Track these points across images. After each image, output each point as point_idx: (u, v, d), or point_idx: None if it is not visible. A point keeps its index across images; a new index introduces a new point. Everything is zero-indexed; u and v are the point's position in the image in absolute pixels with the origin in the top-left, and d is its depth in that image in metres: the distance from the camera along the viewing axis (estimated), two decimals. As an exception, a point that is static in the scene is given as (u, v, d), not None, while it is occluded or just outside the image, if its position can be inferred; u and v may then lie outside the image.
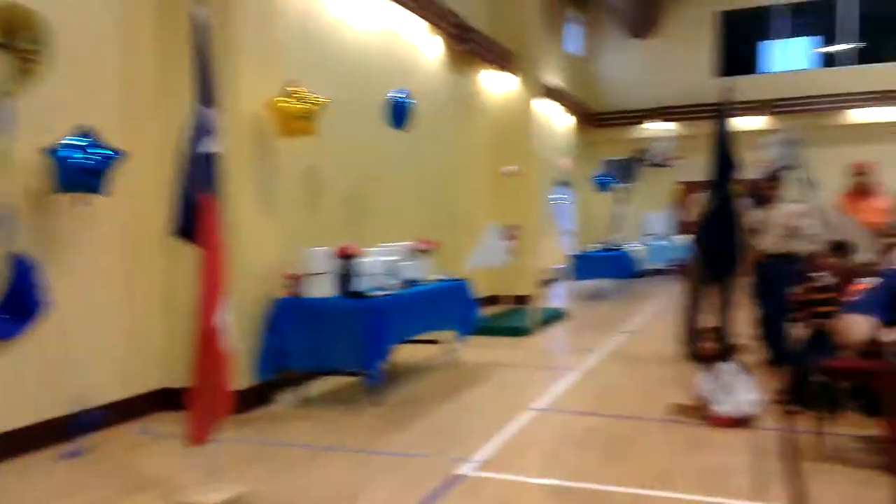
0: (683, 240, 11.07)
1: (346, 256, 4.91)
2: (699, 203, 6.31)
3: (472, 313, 6.35)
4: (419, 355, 6.37)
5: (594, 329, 8.32)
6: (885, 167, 11.06)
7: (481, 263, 7.89)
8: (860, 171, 5.32)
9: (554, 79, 12.72)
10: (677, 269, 13.54)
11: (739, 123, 13.35)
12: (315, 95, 5.07)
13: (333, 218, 6.47)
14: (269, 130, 5.01)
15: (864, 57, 12.90)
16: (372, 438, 4.18)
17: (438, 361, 6.34)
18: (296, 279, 4.90)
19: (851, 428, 4.13)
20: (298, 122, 4.97)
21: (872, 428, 4.03)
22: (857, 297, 1.94)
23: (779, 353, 5.61)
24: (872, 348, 1.90)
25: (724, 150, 3.98)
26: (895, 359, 1.96)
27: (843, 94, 12.41)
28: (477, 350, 6.70)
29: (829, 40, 13.31)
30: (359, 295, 4.85)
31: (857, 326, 1.86)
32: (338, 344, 4.77)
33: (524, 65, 10.58)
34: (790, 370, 4.69)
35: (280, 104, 4.94)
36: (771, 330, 5.63)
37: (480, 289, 9.50)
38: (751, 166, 8.71)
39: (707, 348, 4.53)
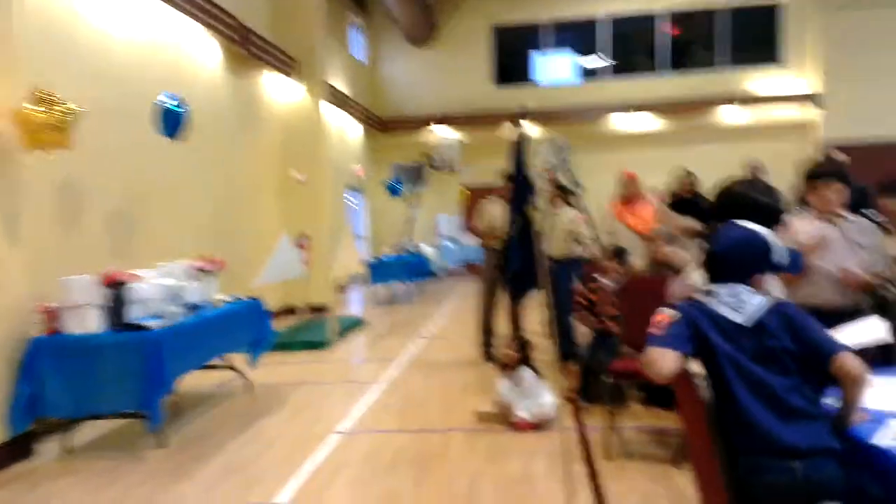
0: (472, 241, 11.46)
1: (114, 284, 4.32)
2: (487, 210, 6.49)
3: (266, 333, 5.95)
4: (207, 382, 5.81)
5: (394, 336, 8.27)
6: (643, 172, 12.41)
7: (275, 277, 7.51)
8: (628, 180, 5.75)
9: (340, 84, 12.55)
10: (469, 270, 14.12)
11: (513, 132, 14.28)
12: (69, 103, 4.41)
13: (97, 240, 5.72)
14: (12, 142, 4.26)
15: (618, 70, 14.23)
16: (156, 488, 3.69)
17: (229, 387, 5.85)
18: (53, 314, 4.23)
19: (638, 420, 4.45)
20: (49, 133, 4.28)
21: (656, 419, 4.39)
22: (659, 331, 1.96)
23: (565, 349, 5.91)
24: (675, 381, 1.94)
25: (523, 177, 4.11)
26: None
27: (603, 104, 13.62)
28: (273, 369, 6.31)
29: (589, 54, 14.54)
30: (133, 327, 4.29)
31: (663, 361, 1.88)
32: (110, 384, 4.17)
33: (309, 70, 10.29)
34: (579, 369, 4.96)
35: (26, 113, 4.23)
36: (558, 329, 5.88)
37: (274, 300, 9.08)
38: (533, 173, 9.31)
39: (507, 355, 4.61)
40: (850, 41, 11.81)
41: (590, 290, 5.10)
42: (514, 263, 3.81)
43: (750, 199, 2.42)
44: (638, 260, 4.90)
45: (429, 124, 14.52)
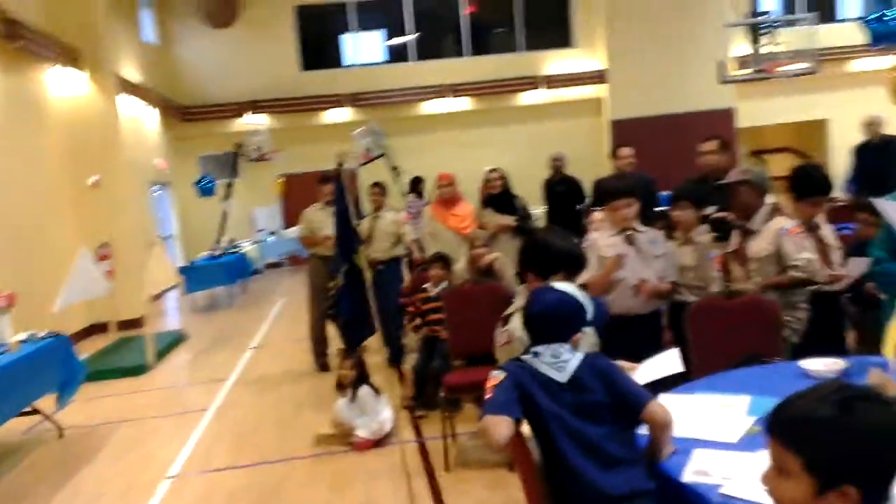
0: (293, 232, 11.18)
1: None
2: (308, 217, 6.35)
3: (75, 372, 5.43)
4: (11, 429, 5.20)
5: (219, 349, 7.87)
6: (454, 152, 12.77)
7: (77, 297, 6.85)
8: (445, 182, 5.90)
9: (134, 72, 11.58)
10: (292, 262, 13.82)
11: (327, 117, 14.05)
12: None
13: None
14: None
15: (426, 52, 14.40)
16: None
17: (38, 431, 5.30)
18: None
19: (474, 424, 4.65)
20: None
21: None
22: (491, 396, 2.06)
23: (394, 353, 6.03)
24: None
25: (347, 222, 4.07)
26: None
27: (414, 87, 13.75)
28: (86, 406, 5.80)
29: (395, 35, 14.56)
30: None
31: (498, 428, 1.98)
32: None
33: (95, 59, 9.37)
34: (412, 377, 5.09)
35: None
36: (386, 333, 5.97)
37: (78, 319, 8.32)
38: (347, 159, 9.20)
39: (343, 375, 4.60)
40: (631, 20, 12.78)
41: (416, 296, 5.22)
42: (345, 310, 3.80)
43: (553, 249, 2.58)
44: (461, 264, 5.06)
45: (236, 111, 13.86)
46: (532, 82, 13.72)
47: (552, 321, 2.17)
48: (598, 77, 13.39)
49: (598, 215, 4.27)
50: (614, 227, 3.66)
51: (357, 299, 3.77)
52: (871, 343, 2.79)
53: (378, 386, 4.71)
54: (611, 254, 3.54)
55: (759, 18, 10.31)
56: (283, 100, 13.76)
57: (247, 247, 12.08)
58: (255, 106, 13.80)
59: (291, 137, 13.46)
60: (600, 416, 2.08)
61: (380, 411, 4.53)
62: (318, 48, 14.65)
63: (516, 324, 2.52)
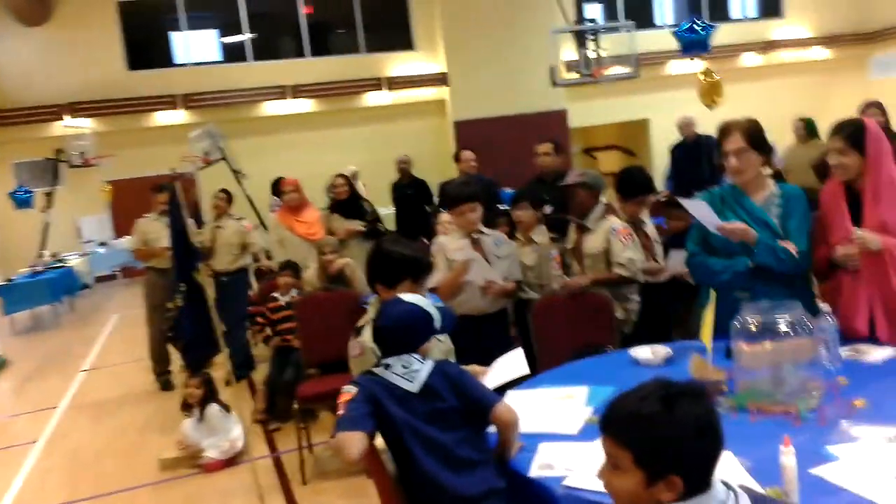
0: (125, 242, 10.47)
1: None
2: (142, 229, 5.97)
3: None
4: None
5: (47, 375, 7.20)
6: (298, 155, 12.50)
7: None
8: (291, 187, 5.78)
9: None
10: (125, 274, 12.92)
11: (159, 119, 13.26)
12: None
13: None
14: None
15: (263, 53, 13.97)
16: None
17: None
18: None
19: (329, 434, 4.59)
20: None
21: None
22: (344, 411, 2.05)
23: (241, 365, 5.81)
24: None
25: (183, 238, 3.86)
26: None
27: (253, 88, 13.30)
28: None
29: (229, 34, 14.00)
30: None
31: (351, 444, 1.98)
32: None
33: None
34: (265, 388, 4.95)
35: None
36: (232, 344, 5.75)
37: None
38: (182, 163, 8.74)
39: (189, 394, 4.38)
40: (467, 24, 13.13)
41: (266, 305, 5.08)
42: (185, 332, 3.61)
43: (398, 257, 2.62)
44: (311, 271, 4.98)
45: (55, 114, 12.72)
46: (375, 84, 13.73)
47: (401, 333, 2.20)
48: (439, 79, 13.64)
49: (445, 217, 4.37)
50: (460, 230, 3.76)
51: (199, 319, 3.60)
52: (691, 329, 3.06)
53: (227, 402, 4.53)
54: (459, 257, 3.64)
55: (584, 25, 10.96)
56: (109, 101, 12.79)
57: (73, 260, 11.15)
58: (76, 108, 12.73)
59: (120, 141, 12.56)
60: (452, 422, 2.13)
61: (230, 429, 4.36)
62: (147, 47, 13.77)
63: (367, 336, 2.53)
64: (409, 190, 7.66)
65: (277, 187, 9.17)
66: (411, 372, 2.15)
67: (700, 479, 1.35)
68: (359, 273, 4.85)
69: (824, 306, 2.58)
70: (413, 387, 2.13)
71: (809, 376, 2.29)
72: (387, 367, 2.17)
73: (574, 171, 4.02)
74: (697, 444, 1.33)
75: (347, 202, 5.94)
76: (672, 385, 1.40)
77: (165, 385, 5.99)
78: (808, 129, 6.46)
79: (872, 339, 2.68)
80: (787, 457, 1.76)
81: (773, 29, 16.15)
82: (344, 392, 2.12)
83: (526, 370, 2.58)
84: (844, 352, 2.60)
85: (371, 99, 13.85)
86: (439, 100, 13.89)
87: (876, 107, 5.35)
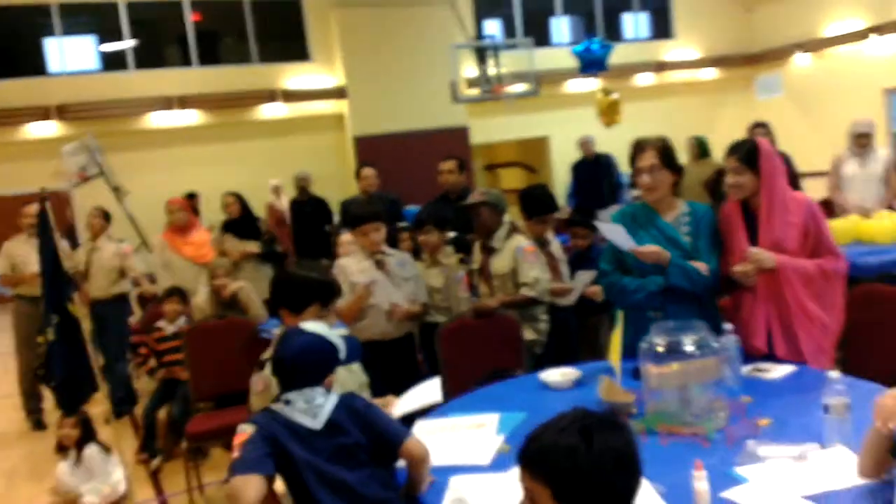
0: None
1: None
2: (10, 252, 5.44)
3: None
4: None
5: None
6: (187, 170, 11.93)
7: None
8: (176, 206, 5.44)
9: None
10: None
11: (30, 131, 12.32)
12: None
13: None
14: None
15: (147, 61, 13.28)
16: None
17: None
18: None
19: (222, 469, 4.29)
20: None
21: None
22: (239, 453, 1.86)
23: (121, 400, 5.40)
24: None
25: (55, 263, 3.51)
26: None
27: (135, 98, 12.58)
28: None
29: (109, 40, 13.21)
30: None
31: (247, 489, 1.79)
32: None
33: None
34: (143, 424, 4.58)
35: None
36: (111, 378, 5.33)
37: None
38: (55, 179, 8.10)
39: (65, 436, 3.98)
40: (366, 37, 13.00)
41: (150, 335, 4.72)
42: (57, 371, 3.25)
43: (305, 280, 2.45)
44: (201, 296, 4.66)
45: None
46: (269, 96, 13.32)
47: (303, 366, 2.03)
48: (337, 93, 13.42)
49: (346, 238, 4.21)
50: (363, 251, 3.61)
51: (72, 356, 3.25)
52: (600, 350, 3.04)
53: (107, 442, 4.14)
54: (362, 279, 3.48)
55: (483, 42, 11.07)
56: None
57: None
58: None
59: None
60: (357, 459, 1.99)
61: (111, 472, 3.98)
62: (15, 54, 12.80)
63: (267, 371, 2.33)
64: (307, 208, 7.40)
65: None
66: (314, 407, 1.99)
67: None
68: (255, 298, 4.59)
69: (727, 325, 2.61)
70: (316, 423, 1.97)
71: (715, 396, 2.29)
72: (287, 402, 2.00)
73: (477, 191, 3.95)
74: (616, 477, 1.30)
75: (240, 221, 5.65)
76: (591, 416, 1.36)
77: (37, 424, 5.47)
78: (700, 148, 6.72)
79: (771, 356, 2.73)
80: (700, 482, 1.77)
81: (665, 50, 16.94)
82: (239, 432, 1.93)
83: (439, 398, 2.47)
84: (746, 370, 2.63)
85: (265, 111, 13.43)
86: (338, 114, 13.67)
87: (762, 127, 5.61)
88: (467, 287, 3.84)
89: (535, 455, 1.32)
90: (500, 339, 3.46)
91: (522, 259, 3.63)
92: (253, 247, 5.48)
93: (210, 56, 13.51)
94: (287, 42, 13.92)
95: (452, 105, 11.27)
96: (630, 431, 1.36)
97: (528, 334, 3.61)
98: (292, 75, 13.59)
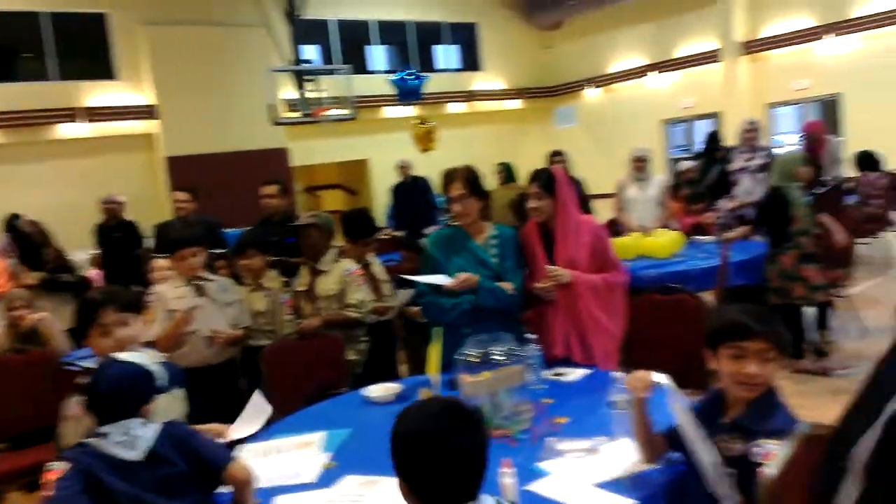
0: None
1: None
2: None
3: None
4: None
5: None
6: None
7: None
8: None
9: None
10: None
11: None
12: None
13: None
14: None
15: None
16: None
17: None
18: None
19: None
20: None
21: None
22: (52, 493, 1.79)
23: None
24: None
25: None
26: None
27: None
28: None
29: None
30: None
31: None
32: None
33: None
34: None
35: None
36: None
37: None
38: None
39: None
40: (179, 55, 12.49)
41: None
42: None
43: (105, 298, 2.40)
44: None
45: None
46: (70, 114, 12.37)
47: (118, 398, 1.99)
48: (147, 112, 12.75)
49: (161, 263, 4.07)
50: (181, 277, 3.54)
51: None
52: (420, 364, 3.23)
53: None
54: (180, 306, 3.41)
55: (302, 66, 11.10)
56: None
57: None
58: None
59: None
60: (181, 489, 1.98)
61: None
62: None
63: (74, 399, 2.25)
64: (116, 232, 6.97)
65: (13, 223, 7.74)
66: (132, 438, 1.95)
67: (428, 488, 1.46)
68: (57, 329, 4.30)
69: (530, 335, 2.90)
70: (136, 455, 1.94)
71: (521, 400, 2.54)
72: (103, 436, 1.95)
73: (306, 213, 4.03)
74: (411, 454, 1.46)
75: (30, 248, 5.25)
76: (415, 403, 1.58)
77: None
78: (506, 173, 7.24)
79: (570, 361, 3.06)
80: (506, 477, 1.94)
81: (474, 81, 17.89)
82: (51, 469, 1.85)
83: (268, 410, 2.51)
84: (548, 375, 2.94)
85: (66, 130, 12.45)
86: (147, 133, 12.97)
87: (559, 155, 6.18)
88: (291, 310, 3.88)
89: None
90: (324, 359, 3.55)
91: (351, 281, 3.75)
92: (30, 278, 5.10)
93: (4, 72, 12.32)
94: (90, 59, 13.01)
95: (272, 127, 11.15)
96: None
97: (350, 354, 3.74)
98: (96, 93, 12.72)
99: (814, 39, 15.15)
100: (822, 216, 4.91)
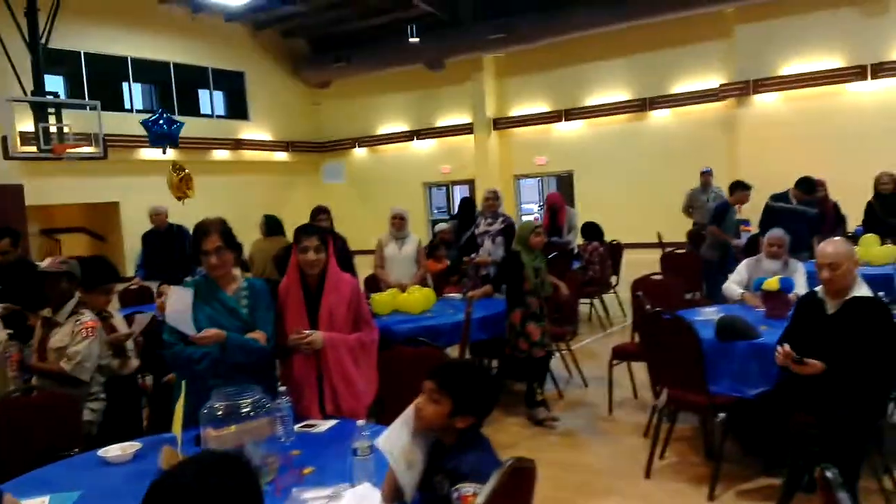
0: None
1: None
2: None
3: None
4: None
5: None
6: None
7: None
8: None
9: None
10: None
11: None
12: None
13: None
14: None
15: None
16: None
17: None
18: None
19: None
20: None
21: None
22: None
23: None
24: None
25: None
26: None
27: None
28: None
29: None
30: None
31: None
32: None
33: None
34: None
35: None
36: None
37: None
38: None
39: None
40: None
41: None
42: None
43: None
44: None
45: None
46: None
47: None
48: None
49: None
50: None
51: None
52: (165, 421, 3.09)
53: None
54: None
55: (44, 98, 10.18)
56: None
57: None
58: None
59: None
60: None
61: None
62: None
63: None
64: None
65: None
66: None
67: None
68: None
69: (282, 388, 2.95)
70: None
71: (268, 452, 2.58)
72: None
73: (54, 260, 3.71)
74: None
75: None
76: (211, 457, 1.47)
77: None
78: (270, 225, 7.19)
79: (322, 413, 3.16)
80: None
81: (242, 129, 17.60)
82: None
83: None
84: (298, 427, 3.00)
85: None
86: None
87: (324, 213, 6.30)
88: (16, 365, 3.53)
89: None
90: (55, 418, 3.26)
91: (77, 332, 3.51)
92: None
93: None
94: None
95: (4, 161, 10.01)
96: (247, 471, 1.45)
97: (85, 415, 3.48)
98: None
99: (551, 122, 17.26)
100: (551, 277, 5.58)
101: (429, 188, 19.35)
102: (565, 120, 16.88)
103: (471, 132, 17.86)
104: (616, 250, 9.21)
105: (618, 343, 5.85)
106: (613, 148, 16.27)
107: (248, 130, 17.73)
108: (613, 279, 8.88)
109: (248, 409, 2.53)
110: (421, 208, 18.57)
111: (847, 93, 13.84)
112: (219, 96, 17.63)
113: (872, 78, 13.48)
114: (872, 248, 6.37)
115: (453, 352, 5.02)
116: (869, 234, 6.75)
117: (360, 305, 3.34)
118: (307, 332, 3.12)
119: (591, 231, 8.82)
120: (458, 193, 18.44)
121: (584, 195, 16.70)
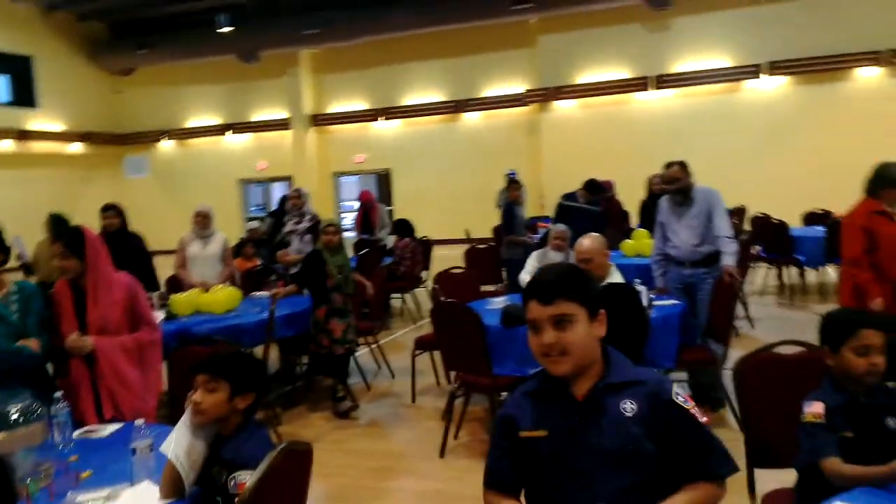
0: None
1: None
2: None
3: None
4: None
5: None
6: None
7: None
8: None
9: None
10: None
11: None
12: None
13: None
14: None
15: None
16: None
17: None
18: None
19: None
20: None
21: None
22: None
23: None
24: None
25: None
26: None
27: None
28: None
29: None
30: None
31: None
32: None
33: None
34: None
35: None
36: None
37: None
38: None
39: None
40: None
41: None
42: None
43: None
44: None
45: None
46: None
47: None
48: None
49: None
50: None
51: None
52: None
53: None
54: None
55: None
56: None
57: None
58: None
59: None
60: None
61: None
62: None
63: None
64: None
65: None
66: None
67: None
68: None
69: (58, 394, 2.84)
70: None
71: (42, 459, 2.49)
72: None
73: None
74: None
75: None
76: None
77: None
78: (55, 224, 6.66)
79: (100, 417, 3.08)
80: None
81: (29, 118, 16.04)
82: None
83: None
84: (79, 433, 2.90)
85: None
86: None
87: (112, 209, 5.96)
88: None
89: None
90: None
91: None
92: None
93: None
94: None
95: None
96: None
97: None
98: None
99: (369, 120, 17.46)
100: (356, 274, 5.73)
101: (245, 185, 18.78)
102: (383, 119, 17.16)
103: (288, 128, 17.60)
104: (427, 246, 9.58)
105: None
106: (428, 147, 16.81)
107: (37, 120, 16.20)
108: (424, 274, 9.23)
109: (17, 416, 2.43)
110: (236, 205, 18.01)
111: (634, 101, 15.33)
112: (1, 81, 15.95)
113: (655, 88, 15.05)
114: (643, 241, 7.19)
115: (259, 351, 5.01)
116: (641, 229, 7.61)
117: (137, 305, 3.28)
118: (74, 335, 3.03)
119: (403, 228, 9.10)
120: (277, 191, 18.12)
121: (401, 193, 17.10)
